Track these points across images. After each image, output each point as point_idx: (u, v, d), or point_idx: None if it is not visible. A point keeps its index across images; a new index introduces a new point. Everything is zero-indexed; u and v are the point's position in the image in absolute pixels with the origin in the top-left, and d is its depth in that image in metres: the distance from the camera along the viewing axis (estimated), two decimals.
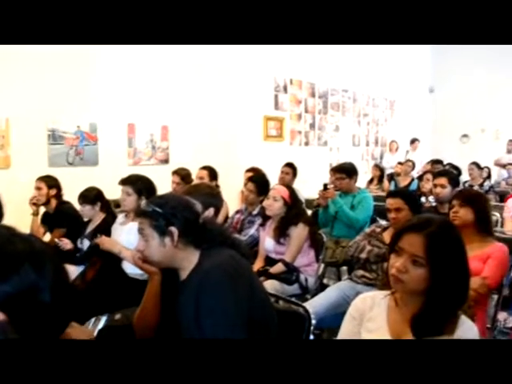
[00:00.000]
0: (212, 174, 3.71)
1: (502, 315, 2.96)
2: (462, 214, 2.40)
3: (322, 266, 3.64)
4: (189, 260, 1.49)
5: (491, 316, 2.51)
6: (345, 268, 3.58)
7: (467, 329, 1.30)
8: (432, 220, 1.32)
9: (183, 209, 1.50)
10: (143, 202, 1.54)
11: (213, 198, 2.24)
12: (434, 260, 1.25)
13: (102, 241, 2.60)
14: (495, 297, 2.55)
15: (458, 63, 9.94)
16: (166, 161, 5.53)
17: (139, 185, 2.75)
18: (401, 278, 1.28)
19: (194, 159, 4.99)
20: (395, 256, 1.31)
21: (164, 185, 3.98)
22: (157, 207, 1.47)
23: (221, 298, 1.36)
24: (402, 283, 1.28)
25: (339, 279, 3.60)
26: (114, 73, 4.97)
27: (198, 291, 1.39)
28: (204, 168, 3.77)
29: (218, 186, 3.71)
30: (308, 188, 5.00)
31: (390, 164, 8.29)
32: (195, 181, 3.69)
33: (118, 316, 2.30)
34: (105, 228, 3.03)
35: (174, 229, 1.45)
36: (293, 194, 2.95)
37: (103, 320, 2.39)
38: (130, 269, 2.58)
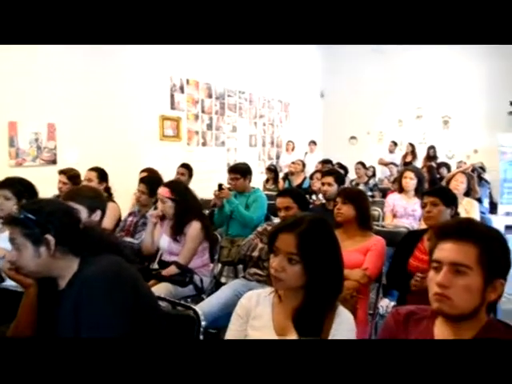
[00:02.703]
0: (101, 175, 3.53)
1: (384, 302, 3.21)
2: (345, 211, 2.55)
3: (219, 265, 3.68)
4: (68, 269, 1.40)
5: (373, 303, 2.72)
6: (242, 266, 3.64)
7: (344, 318, 1.39)
8: (303, 219, 1.39)
9: (61, 215, 1.41)
10: (14, 208, 1.41)
11: (98, 200, 2.14)
12: (306, 256, 1.32)
13: None
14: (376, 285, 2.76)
15: (346, 71, 10.69)
16: (53, 161, 5.17)
17: (18, 187, 2.52)
18: (279, 276, 1.33)
19: (84, 160, 4.71)
20: (273, 256, 1.36)
21: (51, 187, 3.72)
22: (30, 214, 1.36)
23: (101, 308, 1.29)
24: (281, 281, 1.34)
25: (237, 277, 3.66)
26: None
27: (78, 301, 1.32)
28: (92, 169, 3.57)
29: (108, 188, 3.55)
30: (206, 188, 5.01)
31: (285, 163, 8.60)
32: (83, 183, 3.50)
33: None
34: None
35: (49, 237, 1.36)
36: (175, 189, 2.89)
37: None
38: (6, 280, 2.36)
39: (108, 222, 3.17)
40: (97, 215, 2.13)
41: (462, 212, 3.75)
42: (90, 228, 1.49)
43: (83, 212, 1.99)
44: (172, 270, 2.75)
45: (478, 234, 1.18)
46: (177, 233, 2.84)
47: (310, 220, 1.39)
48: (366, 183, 6.44)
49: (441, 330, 1.25)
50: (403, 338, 1.29)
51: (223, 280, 3.74)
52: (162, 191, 2.87)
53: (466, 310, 1.17)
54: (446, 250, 1.19)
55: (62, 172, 3.70)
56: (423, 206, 2.55)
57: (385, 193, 5.75)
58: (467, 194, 4.17)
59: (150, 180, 3.33)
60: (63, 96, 5.19)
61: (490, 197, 8.06)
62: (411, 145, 9.13)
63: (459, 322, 1.20)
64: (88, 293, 1.31)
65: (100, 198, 2.22)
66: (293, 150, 9.26)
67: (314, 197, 4.66)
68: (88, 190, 2.28)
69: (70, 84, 5.24)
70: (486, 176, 8.43)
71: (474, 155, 9.64)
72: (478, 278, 1.16)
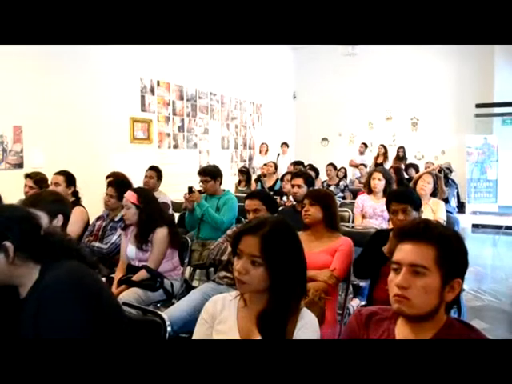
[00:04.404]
0: (69, 179, 3.45)
1: (355, 302, 3.25)
2: (312, 212, 2.57)
3: (190, 269, 3.65)
4: (28, 276, 1.37)
5: (341, 303, 2.74)
6: (213, 269, 3.62)
7: (308, 320, 1.40)
8: (266, 221, 1.39)
9: (20, 221, 1.37)
10: None
11: (59, 204, 2.08)
12: (269, 258, 1.33)
13: None
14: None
15: (318, 73, 10.80)
16: (19, 165, 5.03)
17: None
18: (242, 279, 1.33)
19: (52, 163, 4.59)
20: (237, 258, 1.36)
21: (17, 192, 3.62)
22: None
23: (61, 315, 1.27)
24: (245, 284, 1.34)
25: (208, 280, 3.64)
26: None
27: (38, 309, 1.29)
28: (59, 173, 3.50)
29: (76, 192, 3.49)
30: (178, 191, 4.97)
31: (259, 165, 8.63)
32: (51, 187, 3.42)
33: None
34: None
35: (8, 243, 1.32)
36: (141, 195, 2.83)
37: None
38: None
39: (75, 227, 3.12)
40: (58, 220, 2.07)
41: (429, 212, 3.82)
42: (50, 234, 1.45)
43: (45, 218, 1.94)
44: (142, 274, 2.72)
45: (436, 235, 1.21)
46: (141, 241, 2.79)
47: (273, 222, 1.39)
48: (337, 184, 6.50)
49: (401, 331, 1.27)
50: (365, 338, 1.31)
51: (195, 283, 3.71)
52: (129, 196, 2.81)
53: (424, 310, 1.19)
54: (405, 252, 1.21)
55: (28, 176, 3.62)
56: (393, 212, 2.51)
57: (356, 194, 5.79)
58: (434, 194, 4.25)
59: (119, 183, 3.27)
60: (30, 98, 5.06)
61: (458, 196, 8.27)
62: (383, 146, 9.29)
63: (419, 322, 1.22)
64: (48, 300, 1.28)
65: (61, 202, 2.15)
66: (266, 152, 9.29)
67: (284, 198, 4.69)
68: (49, 194, 2.20)
69: (36, 85, 5.11)
70: (453, 176, 8.64)
71: (441, 156, 9.89)
72: (435, 279, 1.18)
